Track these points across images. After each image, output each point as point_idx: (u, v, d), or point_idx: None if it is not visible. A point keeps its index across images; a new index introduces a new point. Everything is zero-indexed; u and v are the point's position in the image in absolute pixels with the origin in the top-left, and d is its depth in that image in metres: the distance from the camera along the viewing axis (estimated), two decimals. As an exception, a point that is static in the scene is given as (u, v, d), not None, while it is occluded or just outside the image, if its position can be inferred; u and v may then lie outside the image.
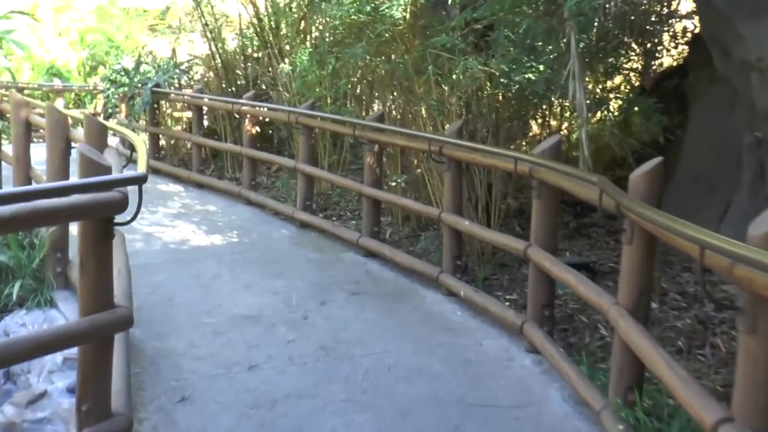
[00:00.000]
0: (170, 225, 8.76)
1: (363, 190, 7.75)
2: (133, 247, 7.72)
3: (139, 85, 11.68)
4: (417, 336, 5.57)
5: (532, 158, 5.11)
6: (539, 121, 8.64)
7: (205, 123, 12.04)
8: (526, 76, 6.78)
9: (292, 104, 9.86)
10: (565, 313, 5.99)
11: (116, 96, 12.15)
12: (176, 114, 13.13)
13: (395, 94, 8.41)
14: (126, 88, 11.89)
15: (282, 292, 6.47)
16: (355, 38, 8.05)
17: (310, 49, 9.38)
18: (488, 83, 7.05)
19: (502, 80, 6.82)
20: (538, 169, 5.04)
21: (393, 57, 7.84)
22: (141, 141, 5.33)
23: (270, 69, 10.73)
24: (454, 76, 6.88)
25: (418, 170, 8.06)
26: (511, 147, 7.83)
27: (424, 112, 7.68)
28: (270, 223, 8.99)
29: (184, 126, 12.92)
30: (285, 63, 9.96)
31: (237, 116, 10.35)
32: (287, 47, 9.96)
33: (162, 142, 13.43)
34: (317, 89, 9.16)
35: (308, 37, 9.77)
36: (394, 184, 8.26)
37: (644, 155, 5.77)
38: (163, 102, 12.49)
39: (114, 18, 17.09)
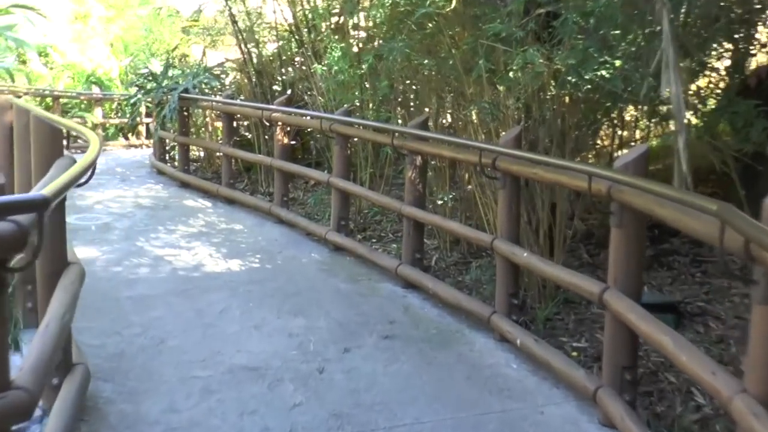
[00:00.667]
0: (186, 247, 7.70)
1: (403, 210, 6.58)
2: (136, 274, 6.72)
3: (166, 90, 10.73)
4: (460, 400, 4.36)
5: (613, 174, 3.87)
6: (607, 130, 7.37)
7: (247, 134, 11.08)
8: (599, 72, 5.54)
9: (328, 110, 8.76)
10: (647, 368, 4.73)
11: (144, 103, 11.21)
12: (216, 123, 12.20)
13: (442, 96, 7.20)
14: (155, 95, 10.95)
15: (299, 333, 5.33)
16: (396, 31, 6.89)
17: (343, 44, 8.24)
18: (552, 82, 5.82)
19: (569, 78, 5.58)
20: (620, 189, 3.81)
21: (439, 52, 6.66)
22: (96, 142, 4.30)
23: (305, 72, 9.64)
24: (510, 74, 5.67)
25: (469, 186, 6.87)
26: (577, 160, 6.61)
27: (474, 117, 6.48)
28: (300, 246, 7.88)
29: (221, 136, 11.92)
30: (318, 64, 8.85)
31: (268, 124, 9.27)
32: (323, 47, 8.85)
33: (199, 153, 12.50)
34: (355, 92, 8.04)
35: (346, 36, 8.65)
36: (440, 202, 7.08)
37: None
38: (197, 110, 11.54)
39: (162, 24, 16.31)
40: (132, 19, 22.10)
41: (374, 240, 8.02)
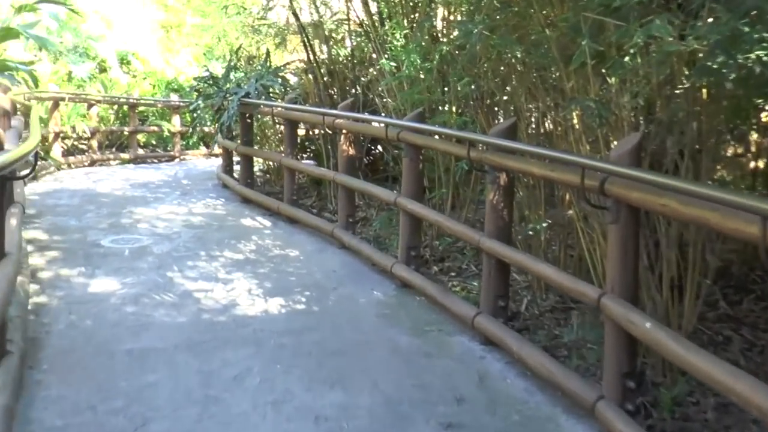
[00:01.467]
0: (223, 279, 6.40)
1: (482, 243, 5.07)
2: (150, 318, 5.47)
3: (226, 95, 9.52)
4: None
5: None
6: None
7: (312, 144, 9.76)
8: (754, 54, 3.87)
9: (400, 115, 7.31)
10: None
11: (205, 109, 10.06)
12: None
13: (533, 94, 5.61)
14: (214, 100, 9.75)
15: (330, 417, 3.91)
16: (475, 9, 5.37)
17: (407, 29, 6.76)
18: (685, 69, 4.18)
19: (710, 63, 3.93)
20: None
21: (528, 35, 5.09)
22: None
23: (379, 71, 8.17)
24: (626, 58, 4.06)
25: (569, 212, 5.28)
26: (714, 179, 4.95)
27: (576, 120, 4.89)
28: (361, 280, 6.47)
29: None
30: (385, 59, 7.38)
31: (331, 132, 7.89)
32: (393, 38, 7.38)
33: (268, 164, 11.27)
34: (427, 92, 6.56)
35: (418, 20, 7.17)
36: (532, 233, 5.54)
37: None
38: (265, 117, 10.31)
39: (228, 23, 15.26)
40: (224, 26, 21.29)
41: (452, 273, 6.53)
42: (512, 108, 6.13)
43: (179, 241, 7.79)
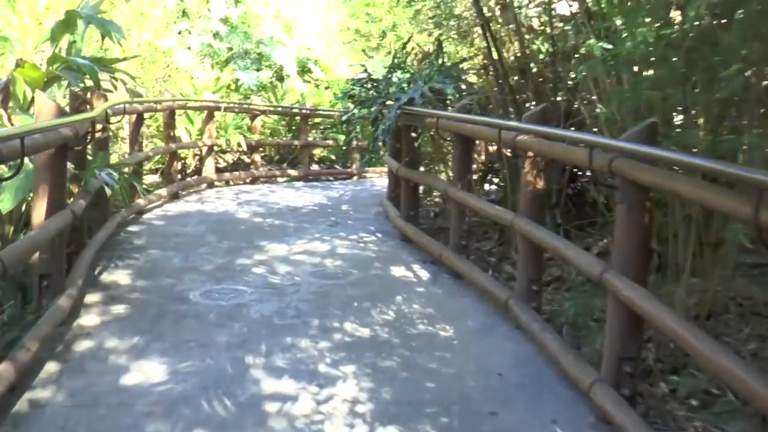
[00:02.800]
0: (322, 377, 4.14)
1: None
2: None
3: (384, 101, 7.29)
4: None
5: None
6: None
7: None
8: None
9: (617, 130, 4.71)
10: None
11: (359, 119, 7.90)
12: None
13: None
14: (374, 108, 7.53)
15: None
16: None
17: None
18: None
19: None
20: None
21: None
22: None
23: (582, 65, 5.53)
24: None
25: None
26: None
27: None
28: (540, 398, 4.01)
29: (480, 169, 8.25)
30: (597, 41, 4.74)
31: (512, 154, 5.39)
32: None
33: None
34: (664, 90, 3.94)
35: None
36: None
37: None
38: (429, 130, 8.00)
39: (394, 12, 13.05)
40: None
41: (696, 403, 3.85)
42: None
43: (293, 299, 5.62)
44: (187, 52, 13.59)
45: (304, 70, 16.58)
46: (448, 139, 6.93)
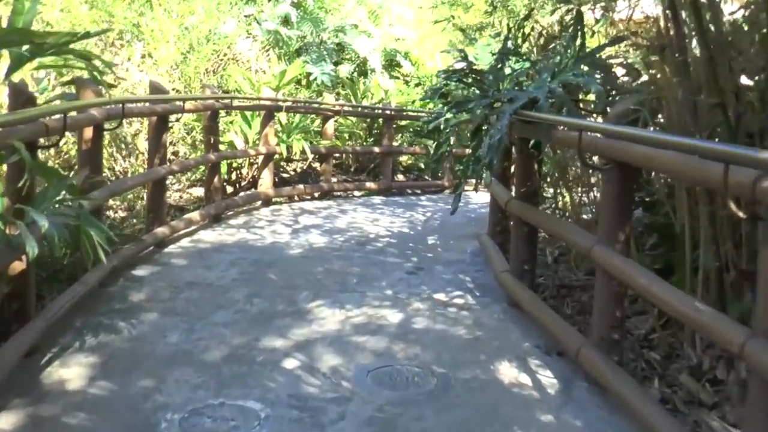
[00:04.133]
0: None
1: None
2: None
3: (493, 103, 4.84)
4: None
5: None
6: None
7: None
8: None
9: None
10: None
11: (454, 127, 5.47)
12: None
13: None
14: (478, 112, 5.06)
15: None
16: None
17: None
18: None
19: None
20: None
21: None
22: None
23: None
24: None
25: None
26: None
27: None
28: None
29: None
30: None
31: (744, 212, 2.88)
32: None
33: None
34: None
35: None
36: None
37: None
38: (561, 149, 5.50)
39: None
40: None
41: None
42: None
43: (330, 435, 3.30)
44: (249, 41, 11.41)
45: (391, 63, 14.28)
46: (595, 165, 4.45)
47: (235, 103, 8.82)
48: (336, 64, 12.83)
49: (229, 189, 10.15)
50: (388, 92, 12.58)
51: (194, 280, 5.74)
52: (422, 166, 13.69)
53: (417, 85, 14.24)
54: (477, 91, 5.31)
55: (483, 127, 5.04)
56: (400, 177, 13.16)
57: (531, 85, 4.84)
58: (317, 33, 12.58)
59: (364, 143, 12.47)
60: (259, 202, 9.43)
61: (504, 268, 5.47)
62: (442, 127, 5.51)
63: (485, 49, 5.50)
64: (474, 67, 5.38)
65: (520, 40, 5.52)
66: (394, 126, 12.02)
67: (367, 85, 12.64)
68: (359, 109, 11.85)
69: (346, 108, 11.20)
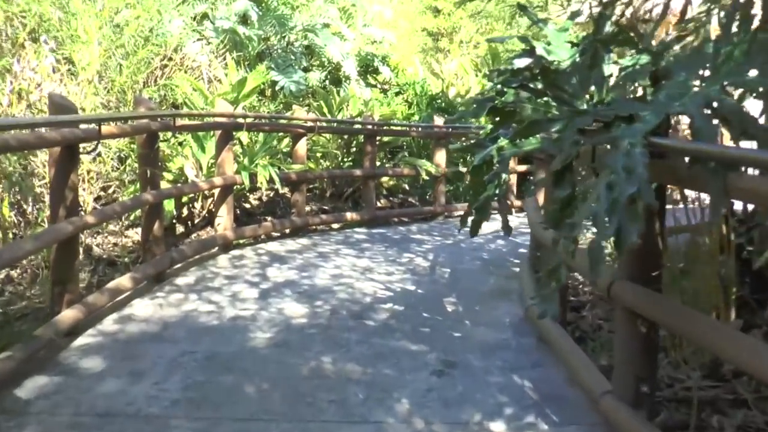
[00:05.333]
0: None
1: None
2: None
3: (587, 123, 2.86)
4: None
5: None
6: None
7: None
8: None
9: None
10: None
11: (509, 158, 3.47)
12: None
13: None
14: (559, 138, 3.04)
15: None
16: None
17: None
18: None
19: None
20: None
21: None
22: None
23: None
24: None
25: None
26: None
27: None
28: None
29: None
30: None
31: None
32: None
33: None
34: None
35: None
36: None
37: None
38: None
39: None
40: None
41: None
42: None
43: None
44: (200, 43, 9.32)
45: (367, 69, 12.29)
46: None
47: (180, 121, 6.66)
48: (305, 70, 10.79)
49: (180, 229, 8.05)
50: (368, 103, 10.54)
51: (111, 405, 3.64)
52: (406, 186, 11.73)
53: (397, 93, 12.29)
54: (552, 103, 3.30)
55: (572, 166, 3.03)
56: (383, 201, 11.19)
57: (660, 93, 2.85)
58: (282, 34, 10.51)
59: (341, 164, 10.43)
60: (216, 248, 7.33)
61: (600, 385, 3.45)
62: (495, 160, 3.48)
63: (560, 37, 3.54)
64: (545, 64, 3.38)
65: (610, 22, 3.51)
66: (378, 142, 10.00)
67: (343, 96, 10.59)
68: (335, 124, 9.79)
69: (321, 123, 9.12)
